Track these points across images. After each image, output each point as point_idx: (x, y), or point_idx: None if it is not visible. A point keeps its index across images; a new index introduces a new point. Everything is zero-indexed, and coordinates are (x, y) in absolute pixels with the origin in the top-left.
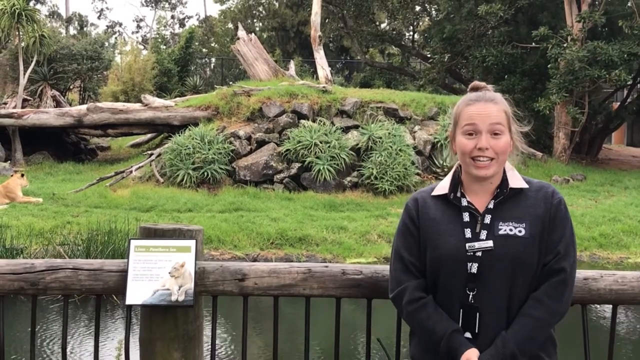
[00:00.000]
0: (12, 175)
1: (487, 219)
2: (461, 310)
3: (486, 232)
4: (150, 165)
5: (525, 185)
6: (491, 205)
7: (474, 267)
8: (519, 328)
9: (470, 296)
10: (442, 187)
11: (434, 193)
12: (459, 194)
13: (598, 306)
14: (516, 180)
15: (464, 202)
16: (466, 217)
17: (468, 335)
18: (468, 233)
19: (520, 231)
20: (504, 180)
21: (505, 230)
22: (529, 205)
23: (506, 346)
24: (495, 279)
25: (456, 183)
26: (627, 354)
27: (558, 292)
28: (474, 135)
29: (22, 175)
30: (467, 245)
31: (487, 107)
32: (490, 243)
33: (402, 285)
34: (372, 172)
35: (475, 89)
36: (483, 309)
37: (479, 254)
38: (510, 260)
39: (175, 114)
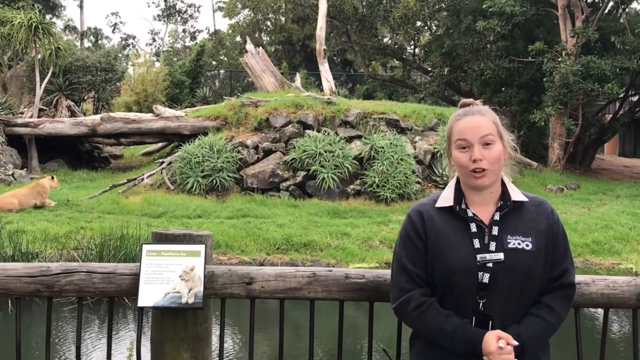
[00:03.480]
0: (43, 177)
1: (495, 230)
2: (474, 317)
3: (495, 243)
4: (161, 173)
5: (526, 199)
6: (497, 217)
7: (485, 277)
8: (530, 326)
9: (481, 304)
10: (445, 198)
11: (438, 205)
12: (463, 206)
13: (591, 310)
14: (516, 194)
15: (470, 214)
16: (473, 227)
17: None
18: (477, 243)
19: (527, 245)
20: (505, 192)
21: (514, 243)
22: (532, 220)
23: (519, 337)
24: (505, 289)
25: (459, 195)
26: (618, 356)
27: (567, 304)
28: (467, 149)
29: (53, 178)
30: (478, 256)
31: (475, 119)
32: (501, 255)
33: (408, 294)
34: (374, 181)
35: (464, 105)
36: (494, 316)
37: (490, 264)
38: (520, 272)
39: (185, 123)
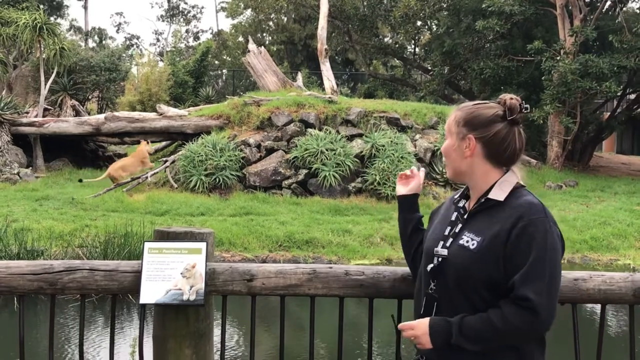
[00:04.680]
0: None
1: (458, 227)
2: (424, 297)
3: (452, 239)
4: (165, 171)
5: (501, 198)
6: (466, 215)
7: (430, 266)
8: (473, 317)
9: (432, 285)
10: (459, 192)
11: (454, 195)
12: (463, 198)
13: (588, 306)
14: (498, 192)
15: (460, 204)
16: (453, 216)
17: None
18: (447, 231)
19: (473, 244)
20: (490, 190)
21: (464, 240)
22: (496, 221)
23: (453, 319)
24: (445, 282)
25: (466, 189)
26: (614, 351)
27: (519, 313)
28: None
29: (148, 142)
30: (435, 248)
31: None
32: (445, 252)
33: None
34: (376, 178)
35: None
36: (439, 301)
37: (439, 258)
38: (457, 269)
39: (188, 122)
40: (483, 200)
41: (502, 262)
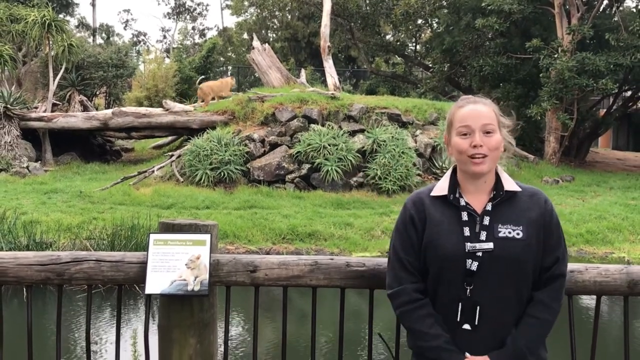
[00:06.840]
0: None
1: (486, 220)
2: (460, 303)
3: (486, 233)
4: (171, 165)
5: (519, 189)
6: (489, 207)
7: (473, 265)
8: (527, 329)
9: (468, 290)
10: (441, 188)
11: (433, 194)
12: (457, 195)
13: (583, 297)
14: (510, 184)
15: (462, 202)
16: (465, 216)
17: (467, 327)
18: (467, 232)
19: (518, 234)
20: (499, 182)
21: (504, 232)
22: (524, 209)
23: (517, 345)
24: (494, 277)
25: (454, 184)
26: (609, 342)
27: (559, 294)
28: (467, 135)
29: (233, 78)
30: (468, 244)
31: (477, 107)
32: (491, 245)
33: (402, 285)
34: (377, 173)
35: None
36: (481, 302)
37: (480, 253)
38: (509, 260)
39: (194, 118)
40: (502, 193)
41: (542, 245)
